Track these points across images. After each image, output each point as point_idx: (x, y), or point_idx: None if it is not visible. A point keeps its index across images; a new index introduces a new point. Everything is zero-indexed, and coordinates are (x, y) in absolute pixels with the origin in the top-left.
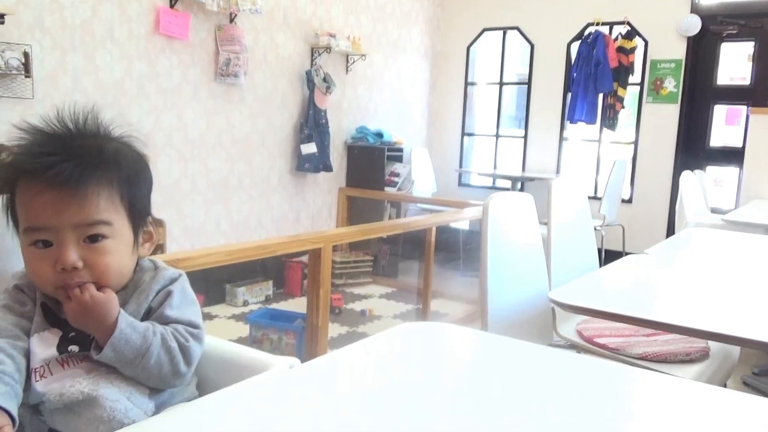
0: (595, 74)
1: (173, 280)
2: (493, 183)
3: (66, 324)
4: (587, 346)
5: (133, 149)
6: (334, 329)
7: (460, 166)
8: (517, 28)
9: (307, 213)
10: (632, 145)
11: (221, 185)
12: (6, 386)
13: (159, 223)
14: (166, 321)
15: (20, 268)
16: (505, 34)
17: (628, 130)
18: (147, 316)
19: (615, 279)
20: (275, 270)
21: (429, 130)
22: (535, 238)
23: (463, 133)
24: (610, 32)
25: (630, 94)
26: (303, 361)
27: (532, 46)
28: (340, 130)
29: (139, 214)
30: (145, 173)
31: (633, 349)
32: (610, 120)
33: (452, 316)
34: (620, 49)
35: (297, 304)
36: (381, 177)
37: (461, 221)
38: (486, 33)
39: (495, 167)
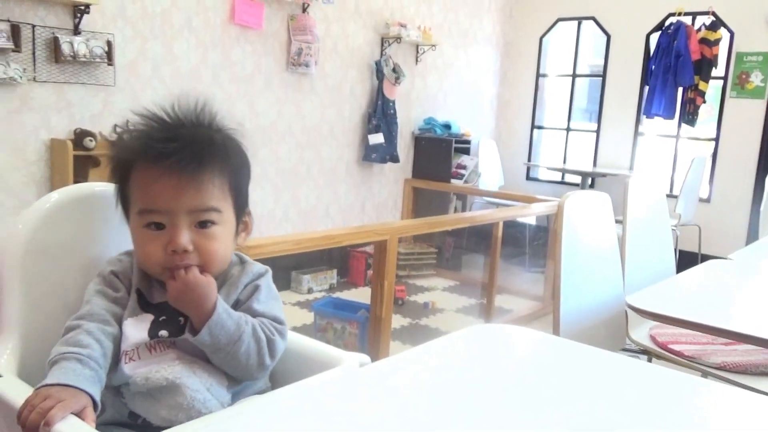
0: (675, 67)
1: (260, 275)
2: (562, 178)
3: (158, 309)
4: (661, 352)
5: (237, 141)
6: (397, 320)
7: (529, 160)
8: (593, 18)
9: (372, 203)
10: (712, 142)
11: (290, 173)
12: (90, 371)
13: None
14: (253, 314)
15: (115, 255)
16: (580, 24)
17: (709, 125)
18: (234, 308)
19: (695, 285)
20: (340, 259)
21: (498, 122)
22: (611, 239)
23: (533, 126)
24: (693, 23)
25: (712, 88)
26: (367, 351)
27: (609, 37)
28: (408, 120)
29: (241, 203)
30: (248, 165)
31: (711, 358)
32: (689, 115)
33: (516, 313)
34: (703, 41)
35: (360, 294)
36: (447, 169)
37: (529, 216)
38: (560, 23)
39: (565, 162)
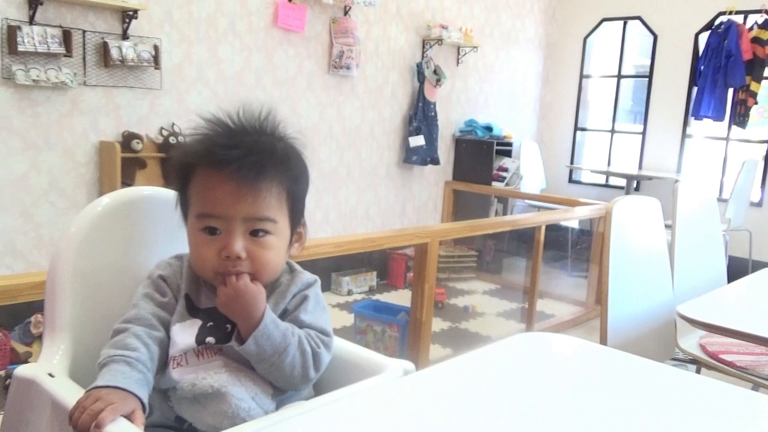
0: (726, 67)
1: (309, 285)
2: (606, 181)
3: (205, 315)
4: (712, 362)
5: (298, 150)
6: (437, 324)
7: (572, 162)
8: (639, 18)
9: (412, 205)
10: (764, 144)
11: (331, 175)
12: (139, 374)
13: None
14: (300, 325)
15: (164, 258)
16: (625, 24)
17: (761, 127)
18: (282, 317)
19: (749, 293)
20: (379, 261)
21: (540, 124)
22: (660, 245)
23: (576, 128)
24: (745, 21)
25: (764, 89)
26: (407, 355)
27: (656, 37)
28: (449, 122)
29: (297, 214)
30: (307, 174)
31: (764, 370)
32: (740, 117)
33: (558, 318)
34: (755, 40)
35: (400, 297)
36: (489, 171)
37: (572, 220)
38: (605, 23)
39: (609, 164)
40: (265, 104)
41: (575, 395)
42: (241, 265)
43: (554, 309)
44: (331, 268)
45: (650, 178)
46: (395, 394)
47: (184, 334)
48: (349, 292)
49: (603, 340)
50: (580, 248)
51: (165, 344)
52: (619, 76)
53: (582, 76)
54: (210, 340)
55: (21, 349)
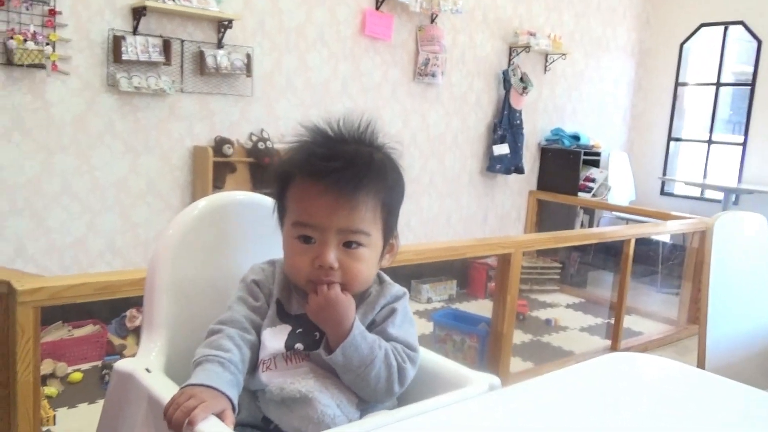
0: None
1: (398, 298)
2: (702, 194)
3: (295, 321)
4: None
5: (394, 161)
6: (518, 336)
7: (664, 174)
8: (742, 23)
9: (495, 214)
10: None
11: (414, 182)
12: (231, 375)
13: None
14: (387, 338)
15: (258, 263)
16: (726, 29)
17: None
18: (369, 328)
19: None
20: (460, 269)
21: (630, 133)
22: (765, 264)
23: (669, 138)
24: None
25: None
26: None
27: (759, 42)
28: (535, 131)
29: (391, 225)
30: (403, 186)
31: None
32: None
33: (646, 336)
34: None
35: (480, 306)
36: (575, 182)
37: (663, 234)
38: (703, 29)
39: (705, 176)
40: (365, 114)
41: (669, 421)
42: (333, 275)
43: (642, 326)
44: (411, 275)
45: (751, 192)
46: (481, 410)
47: (274, 338)
48: (429, 300)
49: (701, 363)
50: (672, 264)
51: (256, 347)
52: (718, 84)
53: (677, 84)
54: (299, 346)
55: (116, 341)
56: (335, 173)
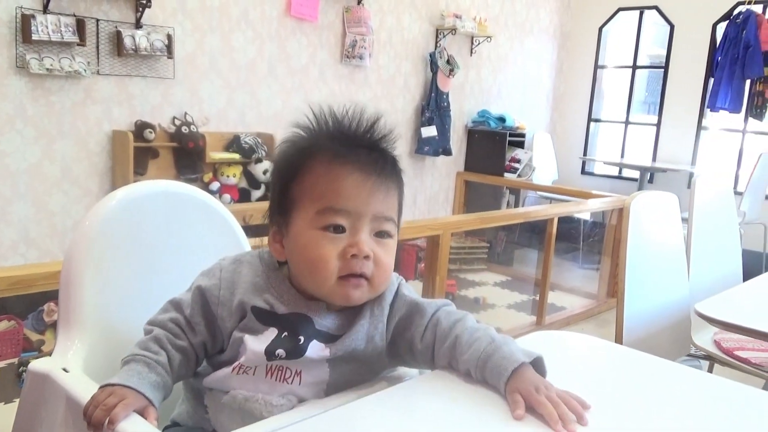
0: (744, 58)
1: (401, 285)
2: (620, 173)
3: (283, 322)
4: (726, 359)
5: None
6: None
7: (585, 154)
8: (656, 8)
9: (424, 196)
10: None
11: None
12: (157, 376)
13: None
14: (430, 313)
15: (224, 261)
16: (642, 13)
17: None
18: (391, 325)
19: (766, 291)
20: None
21: (553, 114)
22: (677, 241)
23: (590, 119)
24: (764, 12)
25: None
26: None
27: (672, 27)
28: (462, 113)
29: (399, 222)
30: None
31: None
32: (757, 109)
33: (569, 311)
34: None
35: (410, 287)
36: (501, 162)
37: (584, 212)
38: (621, 12)
39: (622, 156)
40: (373, 110)
41: (590, 395)
42: (367, 266)
43: (565, 301)
44: None
45: (664, 170)
46: (407, 394)
47: (257, 341)
48: None
49: (618, 337)
50: (592, 240)
51: (189, 352)
52: (635, 67)
53: (597, 67)
54: (280, 352)
55: (34, 337)
56: (368, 154)
